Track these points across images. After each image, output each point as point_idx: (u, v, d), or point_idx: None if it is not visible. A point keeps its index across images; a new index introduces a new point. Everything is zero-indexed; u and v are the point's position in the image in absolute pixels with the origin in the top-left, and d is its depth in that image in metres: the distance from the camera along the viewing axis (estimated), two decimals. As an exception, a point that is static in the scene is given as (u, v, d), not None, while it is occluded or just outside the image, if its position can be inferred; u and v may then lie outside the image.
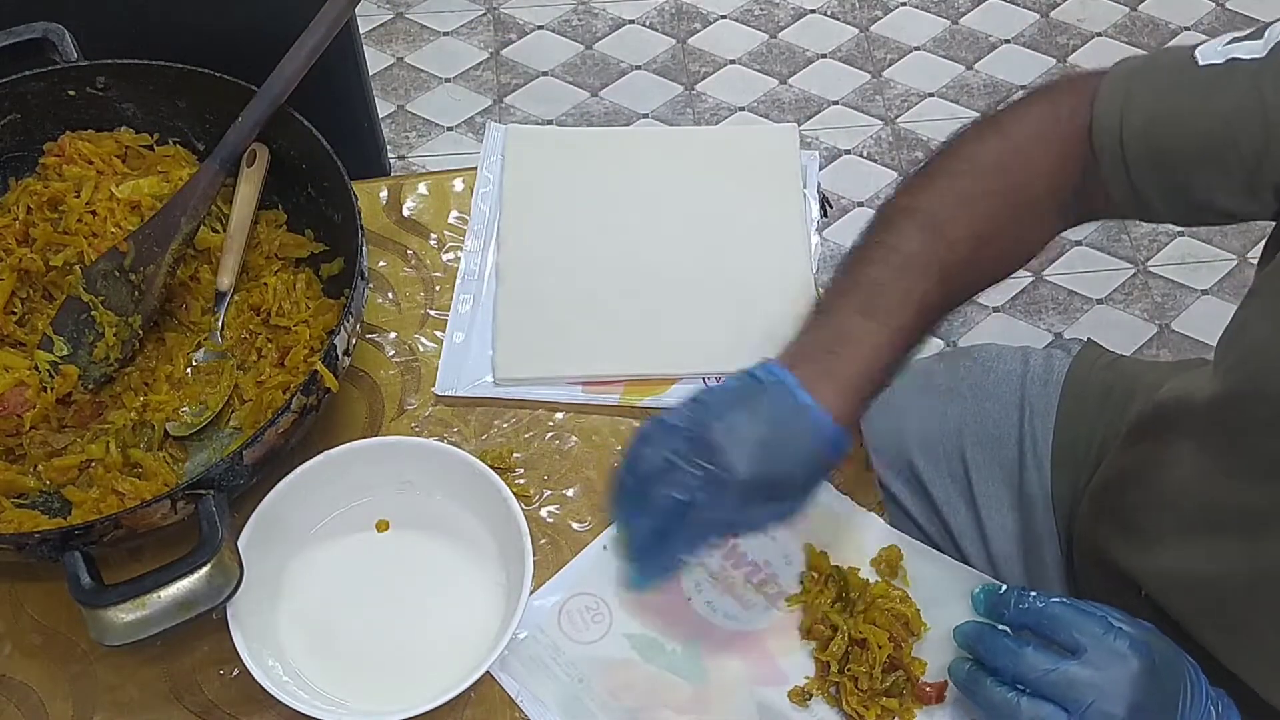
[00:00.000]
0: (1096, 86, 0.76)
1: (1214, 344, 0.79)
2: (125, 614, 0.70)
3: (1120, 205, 0.77)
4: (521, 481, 0.86)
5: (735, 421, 0.70)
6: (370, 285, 0.93)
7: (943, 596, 0.80)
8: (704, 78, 2.26)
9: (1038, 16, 2.40)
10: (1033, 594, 0.72)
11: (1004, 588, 0.73)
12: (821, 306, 0.76)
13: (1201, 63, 0.72)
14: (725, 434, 0.69)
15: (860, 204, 2.11)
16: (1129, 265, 2.06)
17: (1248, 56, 0.71)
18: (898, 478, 1.05)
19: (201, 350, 0.90)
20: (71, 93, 0.91)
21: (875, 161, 2.17)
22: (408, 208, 1.00)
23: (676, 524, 0.70)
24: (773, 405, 0.71)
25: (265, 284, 0.89)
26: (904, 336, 0.74)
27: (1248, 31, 0.73)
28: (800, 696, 0.77)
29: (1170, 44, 2.36)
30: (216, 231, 0.91)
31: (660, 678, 0.77)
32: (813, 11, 2.37)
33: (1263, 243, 0.78)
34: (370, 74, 1.52)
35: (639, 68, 2.27)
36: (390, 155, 1.99)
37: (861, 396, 0.73)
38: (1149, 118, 0.74)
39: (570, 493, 0.86)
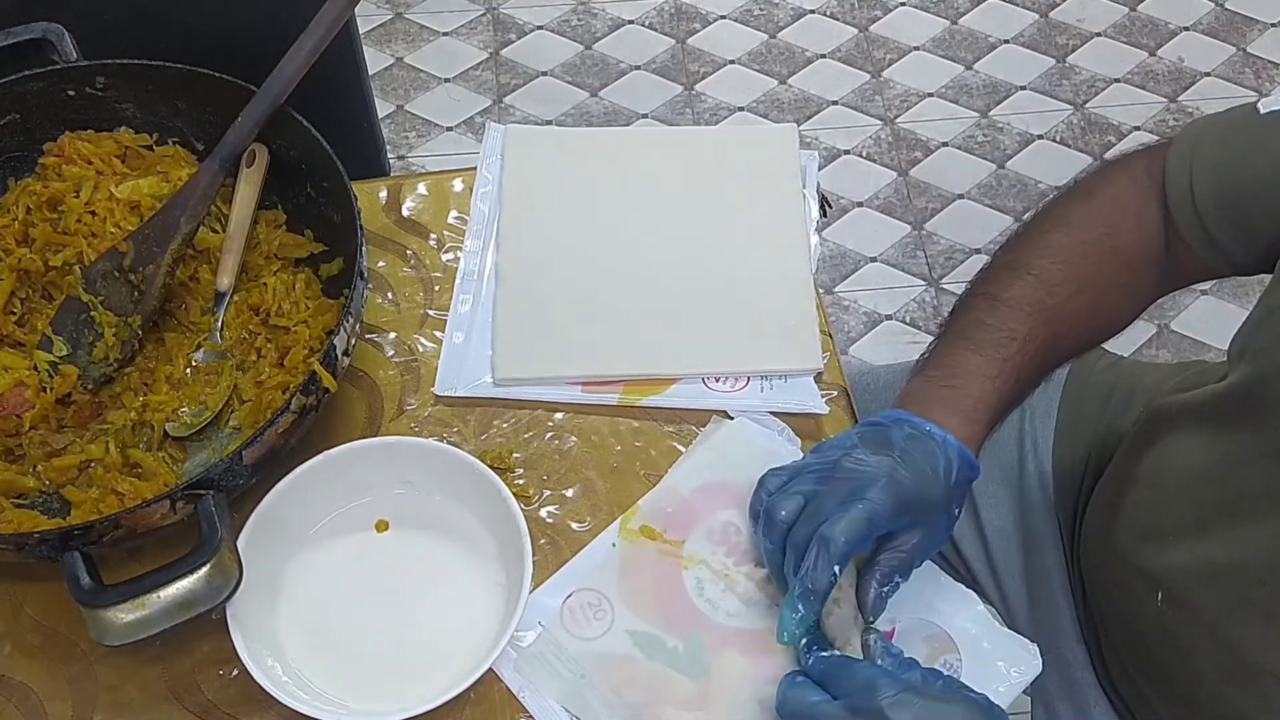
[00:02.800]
0: (1164, 152, 0.80)
1: (1213, 344, 0.80)
2: (125, 614, 0.70)
3: (1207, 261, 0.80)
4: (521, 481, 0.86)
5: (864, 450, 0.73)
6: (370, 285, 0.93)
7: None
8: (703, 78, 2.26)
9: (1037, 16, 2.40)
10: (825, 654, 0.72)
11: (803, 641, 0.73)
12: (929, 354, 0.81)
13: (1264, 111, 0.76)
14: (857, 459, 0.72)
15: (860, 204, 2.11)
16: (1128, 265, 2.06)
17: None
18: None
19: (201, 350, 0.90)
20: (71, 93, 0.91)
21: (874, 161, 2.17)
22: (407, 208, 1.00)
23: (829, 529, 0.70)
24: (898, 432, 0.73)
25: (265, 284, 0.89)
26: (1012, 371, 0.77)
27: None
28: None
29: (1168, 45, 2.36)
30: (216, 232, 0.91)
31: (662, 674, 0.77)
32: (812, 12, 2.37)
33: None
34: (370, 74, 1.52)
35: (638, 68, 2.27)
36: (390, 155, 1.99)
37: (978, 422, 0.76)
38: (1216, 166, 0.77)
39: (570, 493, 0.86)
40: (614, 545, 0.83)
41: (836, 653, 0.72)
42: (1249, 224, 0.76)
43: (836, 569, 0.70)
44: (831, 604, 0.75)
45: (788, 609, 0.71)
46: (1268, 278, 0.76)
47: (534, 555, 0.77)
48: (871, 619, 0.74)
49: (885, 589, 0.73)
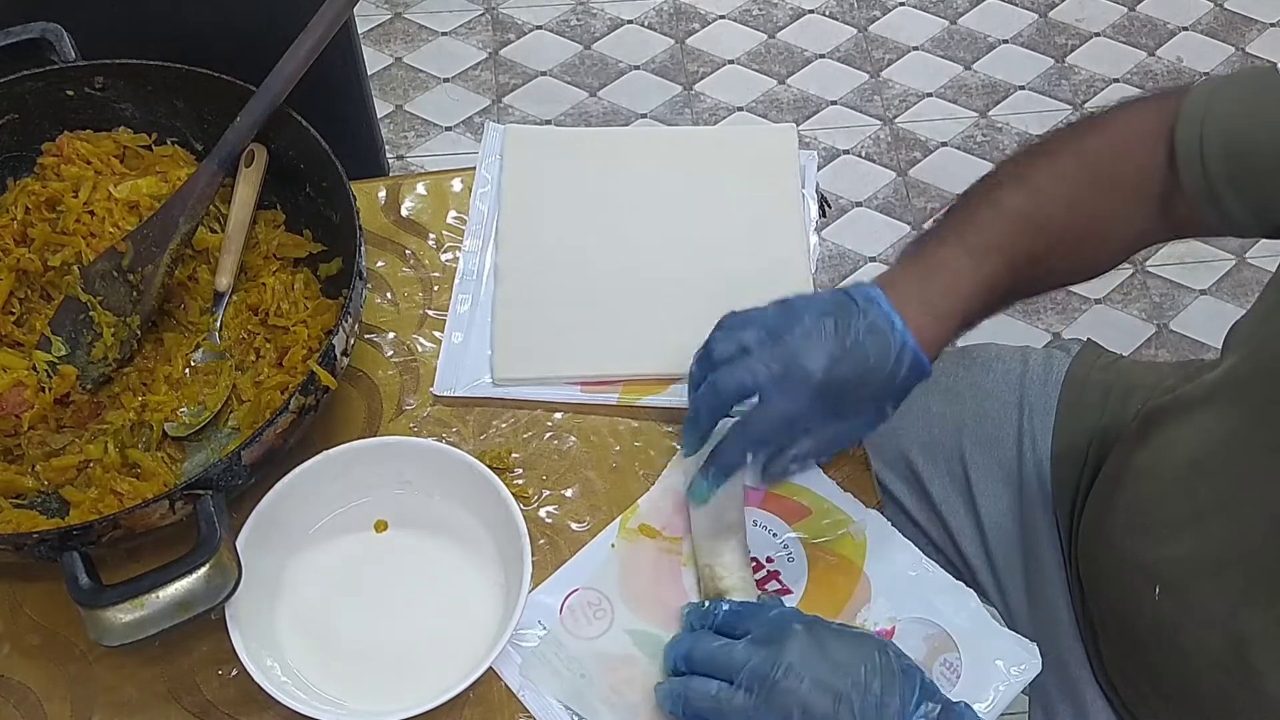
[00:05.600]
0: (1180, 99, 0.78)
1: (1213, 344, 0.79)
2: (124, 614, 0.70)
3: (1204, 218, 0.78)
4: (520, 482, 0.86)
5: (818, 324, 0.73)
6: (369, 285, 0.93)
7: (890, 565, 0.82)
8: (702, 78, 2.26)
9: (1036, 16, 2.40)
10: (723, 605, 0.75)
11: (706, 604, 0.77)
12: (922, 240, 0.79)
13: None
14: (805, 333, 0.73)
15: (859, 204, 2.11)
16: (1127, 265, 2.06)
17: None
18: (897, 477, 1.05)
19: (200, 350, 0.90)
20: (70, 93, 0.91)
21: (874, 161, 2.17)
22: (406, 208, 1.00)
23: (749, 419, 0.74)
24: (862, 317, 0.73)
25: (264, 284, 0.89)
26: (997, 281, 0.77)
27: None
28: None
29: (1167, 45, 2.36)
30: (215, 232, 0.91)
31: (661, 673, 0.77)
32: (811, 11, 2.37)
33: (1261, 241, 0.79)
34: (369, 74, 1.52)
35: (637, 68, 2.27)
36: (389, 155, 1.99)
37: (949, 326, 0.76)
38: (1228, 119, 0.75)
39: (569, 493, 0.86)
40: (613, 546, 0.83)
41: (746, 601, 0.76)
42: (1256, 184, 0.75)
43: (749, 456, 0.76)
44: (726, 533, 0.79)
45: (695, 467, 0.78)
46: (1266, 276, 0.76)
47: (533, 555, 0.77)
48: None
49: (794, 465, 0.77)
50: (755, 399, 0.75)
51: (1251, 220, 0.76)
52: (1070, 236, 0.79)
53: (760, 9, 2.37)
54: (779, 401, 0.73)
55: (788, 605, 0.76)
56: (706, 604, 0.77)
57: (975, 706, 0.75)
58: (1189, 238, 0.84)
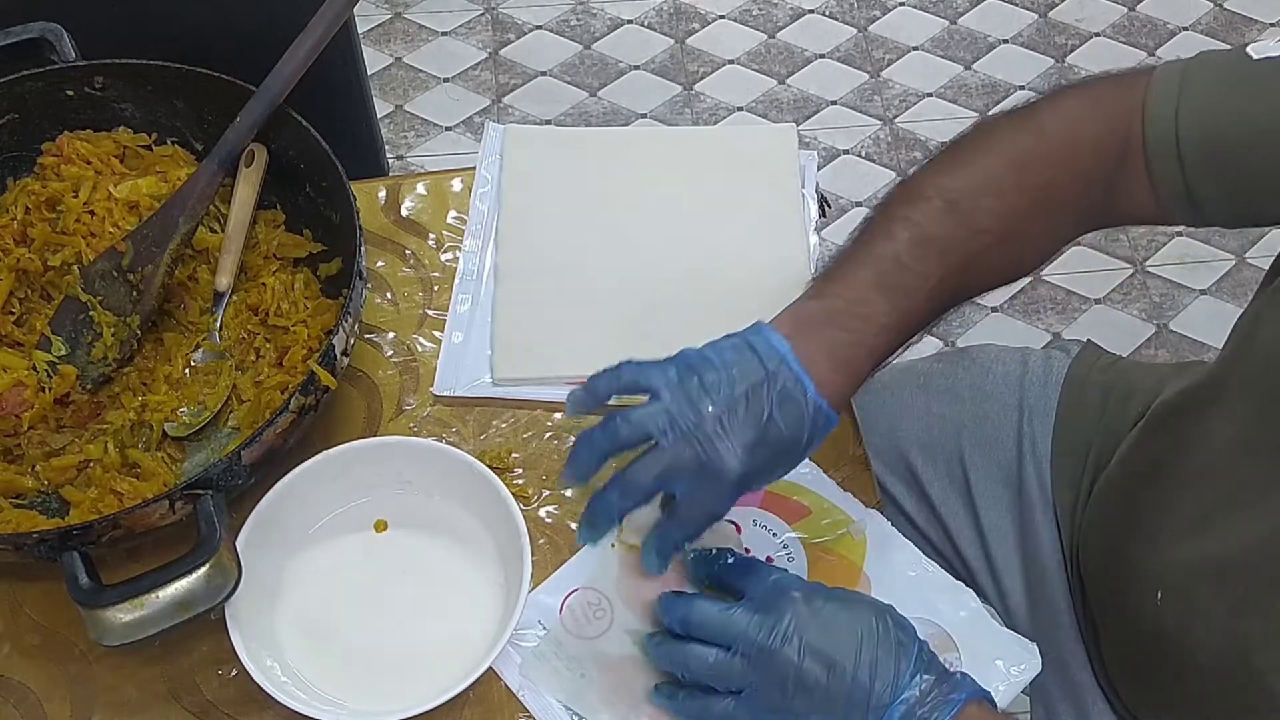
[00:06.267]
0: (1147, 84, 0.74)
1: (1213, 344, 0.79)
2: (123, 614, 0.70)
3: (1167, 207, 0.75)
4: (520, 481, 0.86)
5: (733, 406, 0.69)
6: (368, 285, 0.93)
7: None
8: (702, 78, 2.26)
9: (1036, 17, 2.40)
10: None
11: (713, 551, 0.76)
12: (831, 273, 0.74)
13: (1256, 57, 0.71)
14: (723, 419, 0.68)
15: (859, 204, 2.11)
16: (1127, 265, 2.06)
17: None
18: (896, 479, 1.05)
19: (200, 350, 0.90)
20: (69, 93, 0.91)
21: (874, 161, 2.17)
22: (406, 208, 1.00)
23: (671, 526, 0.71)
24: (773, 387, 0.69)
25: (263, 284, 0.89)
26: (912, 320, 0.73)
27: None
28: None
29: (1167, 45, 2.36)
30: (215, 231, 0.91)
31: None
32: (811, 11, 2.37)
33: (1261, 241, 0.78)
34: (369, 74, 1.52)
35: (637, 68, 2.27)
36: (388, 155, 1.99)
37: (859, 377, 0.72)
38: (1205, 111, 0.72)
39: (569, 492, 0.86)
40: (613, 546, 0.83)
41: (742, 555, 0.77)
42: (1234, 177, 0.72)
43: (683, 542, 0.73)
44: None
45: (595, 500, 0.71)
46: (1262, 273, 0.76)
47: (533, 555, 0.77)
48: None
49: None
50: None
51: (1226, 214, 0.74)
52: (1000, 260, 0.76)
53: (760, 9, 2.37)
54: (699, 504, 0.71)
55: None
56: (714, 550, 0.76)
57: None
58: (1121, 225, 0.81)
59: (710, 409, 0.68)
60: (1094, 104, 0.76)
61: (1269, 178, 0.70)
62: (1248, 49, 0.72)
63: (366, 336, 0.93)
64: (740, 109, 2.22)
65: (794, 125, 1.06)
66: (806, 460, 0.76)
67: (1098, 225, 0.80)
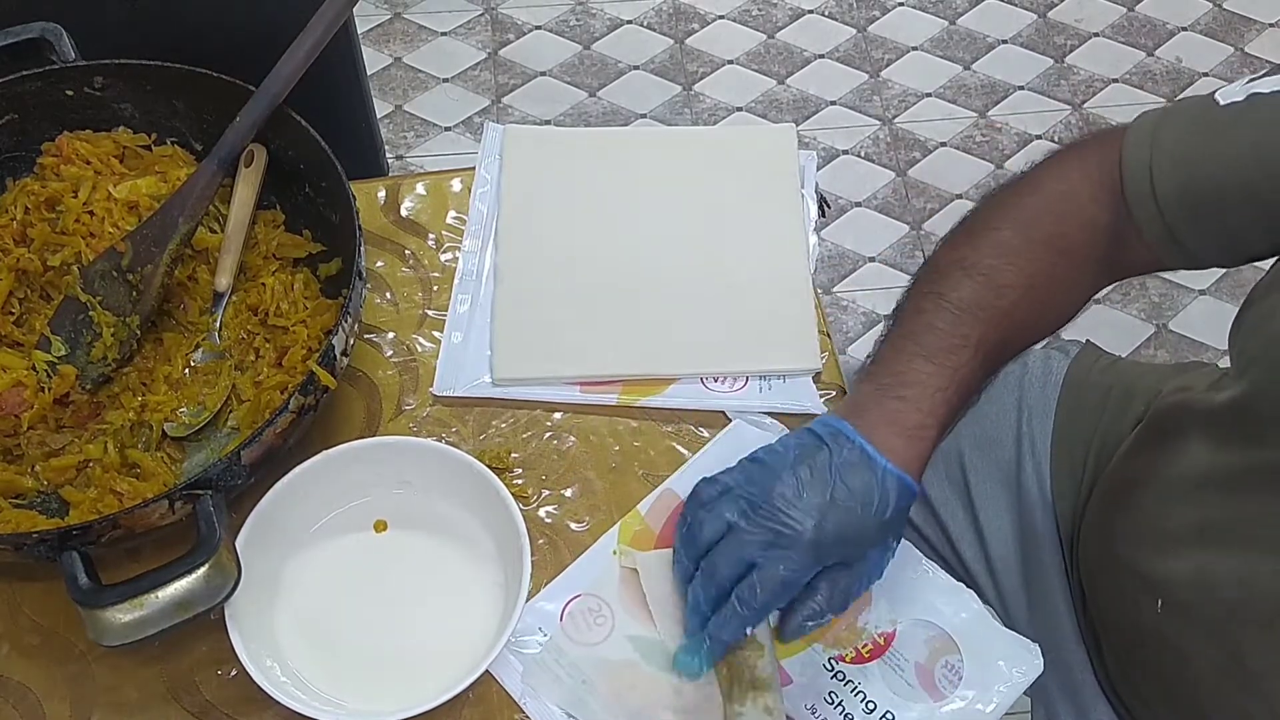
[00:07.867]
0: (1123, 136, 0.77)
1: (1212, 344, 0.79)
2: (123, 614, 0.69)
3: (1160, 254, 0.78)
4: (519, 481, 0.86)
5: (797, 477, 0.72)
6: (368, 285, 0.93)
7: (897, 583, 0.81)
8: (702, 78, 2.26)
9: (1035, 17, 2.40)
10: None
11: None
12: (877, 357, 0.78)
13: (1223, 102, 0.73)
14: (788, 491, 0.71)
15: (858, 204, 2.11)
16: (1127, 265, 2.06)
17: (1269, 90, 0.72)
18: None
19: (199, 350, 0.90)
20: (69, 93, 0.91)
21: (873, 162, 2.17)
22: (405, 208, 1.00)
23: (745, 591, 0.72)
24: (835, 457, 0.72)
25: (263, 284, 0.89)
26: (963, 380, 0.75)
27: (1264, 71, 0.74)
28: None
29: (1166, 45, 2.36)
30: (214, 232, 0.91)
31: (663, 680, 0.77)
32: (810, 12, 2.37)
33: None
34: (368, 74, 1.52)
35: (637, 68, 2.27)
36: (388, 155, 1.99)
37: (926, 439, 0.74)
38: (1177, 157, 0.74)
39: (568, 493, 0.86)
40: (615, 552, 0.82)
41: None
42: (1212, 219, 0.74)
43: (748, 630, 0.73)
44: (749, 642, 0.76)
45: (686, 654, 0.75)
46: (1261, 273, 0.76)
47: (532, 555, 0.77)
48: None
49: (809, 624, 0.75)
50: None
51: (1211, 255, 0.76)
52: (1032, 312, 0.79)
53: (760, 9, 2.37)
54: (773, 568, 0.71)
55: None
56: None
57: (978, 708, 0.76)
58: (1143, 274, 0.83)
59: (776, 486, 0.72)
60: (1084, 160, 0.80)
61: (1242, 218, 0.72)
62: (1215, 94, 0.74)
63: (366, 336, 0.93)
64: (740, 109, 2.22)
65: (793, 125, 1.06)
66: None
67: (1117, 275, 0.82)
